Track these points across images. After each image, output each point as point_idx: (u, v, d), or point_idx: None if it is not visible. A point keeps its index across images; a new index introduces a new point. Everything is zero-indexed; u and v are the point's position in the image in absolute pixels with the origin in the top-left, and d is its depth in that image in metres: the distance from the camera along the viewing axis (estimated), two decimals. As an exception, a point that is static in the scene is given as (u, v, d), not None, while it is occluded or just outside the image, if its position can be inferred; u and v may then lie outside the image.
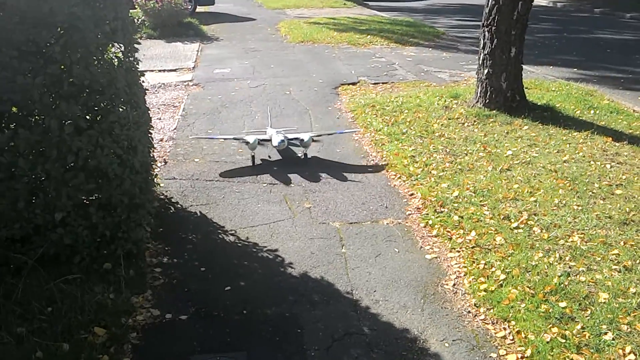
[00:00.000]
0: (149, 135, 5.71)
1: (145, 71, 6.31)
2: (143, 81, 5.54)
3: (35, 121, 4.55)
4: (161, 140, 8.32)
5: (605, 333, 4.18)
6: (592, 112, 9.45)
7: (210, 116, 9.56)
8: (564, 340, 4.11)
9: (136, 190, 4.87)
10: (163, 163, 7.48)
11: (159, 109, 9.89)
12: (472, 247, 5.44)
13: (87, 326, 4.23)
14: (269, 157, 7.47)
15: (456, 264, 5.26)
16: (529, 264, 5.07)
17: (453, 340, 4.30)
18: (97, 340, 4.15)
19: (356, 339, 4.29)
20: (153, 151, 6.12)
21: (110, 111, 4.78)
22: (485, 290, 4.80)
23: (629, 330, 4.22)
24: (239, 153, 7.91)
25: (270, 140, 7.11)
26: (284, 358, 4.10)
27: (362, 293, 4.87)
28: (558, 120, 8.95)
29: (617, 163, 7.34)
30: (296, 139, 7.17)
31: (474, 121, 9.02)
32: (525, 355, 4.07)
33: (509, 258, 5.18)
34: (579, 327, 4.25)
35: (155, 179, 6.25)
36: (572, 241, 5.46)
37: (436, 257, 5.40)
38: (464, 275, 5.08)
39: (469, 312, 4.63)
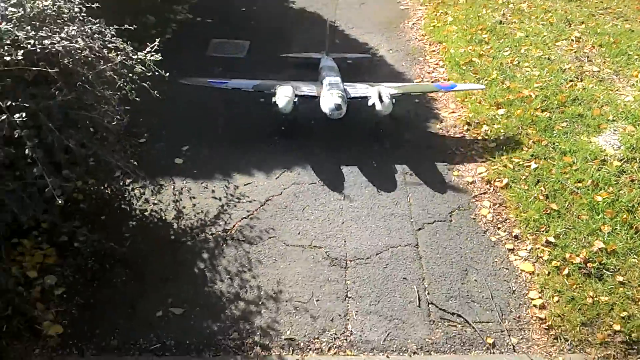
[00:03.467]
0: None
1: None
2: None
3: None
4: None
5: (506, 51, 5.73)
6: None
7: None
8: (472, 51, 5.70)
9: None
10: None
11: None
12: (438, 3, 6.86)
13: (143, 13, 6.07)
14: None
15: (421, 12, 6.75)
16: (475, 15, 6.50)
17: (396, 50, 5.97)
18: (149, 22, 6.02)
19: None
20: None
21: None
22: (433, 26, 6.35)
23: (525, 52, 5.74)
24: None
25: (317, 97, 4.34)
26: (273, 44, 5.90)
27: (342, 23, 6.50)
28: None
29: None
30: (364, 97, 4.35)
31: None
32: (442, 60, 5.73)
33: (462, 10, 6.61)
34: (488, 47, 5.81)
35: None
36: (519, 6, 6.78)
37: (408, 8, 6.90)
38: (423, 18, 6.60)
39: (416, 38, 6.23)
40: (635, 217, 3.72)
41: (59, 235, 3.36)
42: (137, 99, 3.21)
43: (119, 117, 3.33)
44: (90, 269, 3.29)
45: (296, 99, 4.19)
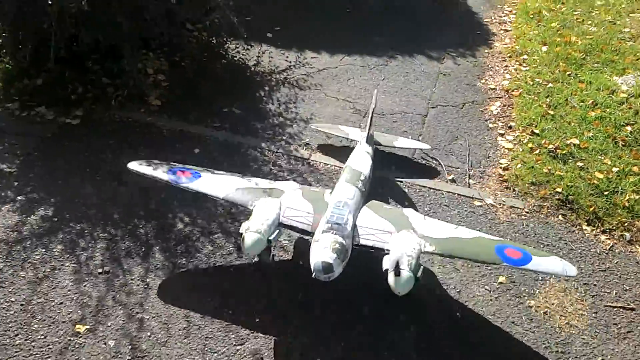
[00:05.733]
0: None
1: None
2: None
3: None
4: None
5: (577, 11, 6.31)
6: None
7: None
8: (545, 6, 6.36)
9: None
10: None
11: None
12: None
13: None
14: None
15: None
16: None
17: (477, -3, 6.80)
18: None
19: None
20: None
21: None
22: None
23: (595, 16, 6.27)
24: None
25: (310, 233, 2.87)
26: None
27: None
28: None
29: None
30: (381, 250, 2.78)
31: None
32: (516, 9, 6.46)
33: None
34: (561, 5, 6.43)
35: None
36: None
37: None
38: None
39: (500, -9, 7.00)
40: (619, 132, 4.37)
41: (173, 55, 4.82)
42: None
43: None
44: (189, 78, 4.68)
45: (275, 234, 2.79)
